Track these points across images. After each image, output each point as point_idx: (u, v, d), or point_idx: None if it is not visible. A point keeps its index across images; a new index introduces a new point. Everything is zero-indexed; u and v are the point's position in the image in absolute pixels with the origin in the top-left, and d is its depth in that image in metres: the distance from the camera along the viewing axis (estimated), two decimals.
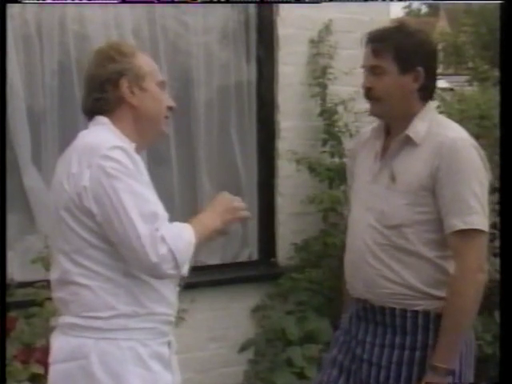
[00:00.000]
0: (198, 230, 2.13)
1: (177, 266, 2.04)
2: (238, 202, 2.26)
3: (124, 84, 2.19)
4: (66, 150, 2.19)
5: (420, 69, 2.43)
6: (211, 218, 2.21)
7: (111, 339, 2.08)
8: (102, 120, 2.20)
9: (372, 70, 2.46)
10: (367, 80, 2.48)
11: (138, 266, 2.06)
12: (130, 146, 2.13)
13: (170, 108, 2.28)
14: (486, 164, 2.42)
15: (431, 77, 2.48)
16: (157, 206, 2.08)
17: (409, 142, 2.44)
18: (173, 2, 4.39)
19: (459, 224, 2.34)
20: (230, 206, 2.24)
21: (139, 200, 2.04)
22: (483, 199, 2.37)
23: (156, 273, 2.05)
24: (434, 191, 2.38)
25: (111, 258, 2.08)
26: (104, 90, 2.18)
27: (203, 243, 2.19)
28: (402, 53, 2.42)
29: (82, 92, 2.27)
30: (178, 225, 2.11)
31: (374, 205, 2.48)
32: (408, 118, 2.46)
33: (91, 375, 2.07)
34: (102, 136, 2.13)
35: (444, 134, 2.41)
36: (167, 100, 2.28)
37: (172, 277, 2.11)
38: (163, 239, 2.02)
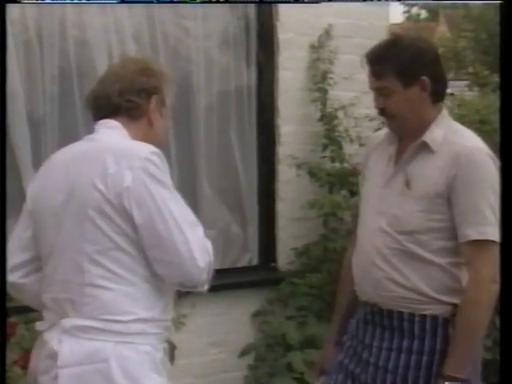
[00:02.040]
0: None
1: (208, 281, 2.12)
2: None
3: (153, 101, 2.27)
4: (70, 148, 2.23)
5: (424, 78, 2.42)
6: None
7: (130, 343, 2.09)
8: (113, 123, 2.23)
9: (379, 91, 2.47)
10: (377, 101, 2.49)
11: (180, 271, 2.09)
12: None
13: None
14: None
15: (438, 80, 2.47)
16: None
17: (425, 148, 2.44)
18: (172, 2, 4.39)
19: (473, 234, 2.35)
20: None
21: (183, 207, 2.11)
22: (498, 210, 2.37)
23: (195, 279, 2.10)
24: (449, 199, 2.38)
25: (135, 262, 2.09)
26: (140, 97, 2.25)
27: None
28: (402, 69, 2.41)
29: (106, 88, 2.28)
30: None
31: (385, 209, 2.47)
32: (423, 123, 2.46)
33: (110, 379, 2.06)
34: (132, 141, 2.20)
35: (461, 143, 2.40)
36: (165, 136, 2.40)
37: (200, 289, 2.14)
38: (207, 249, 2.10)
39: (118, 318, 2.09)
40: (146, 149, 2.13)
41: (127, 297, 2.09)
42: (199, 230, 2.11)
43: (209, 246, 2.12)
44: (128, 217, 2.07)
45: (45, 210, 2.22)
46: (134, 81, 2.26)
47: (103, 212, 2.08)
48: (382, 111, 2.49)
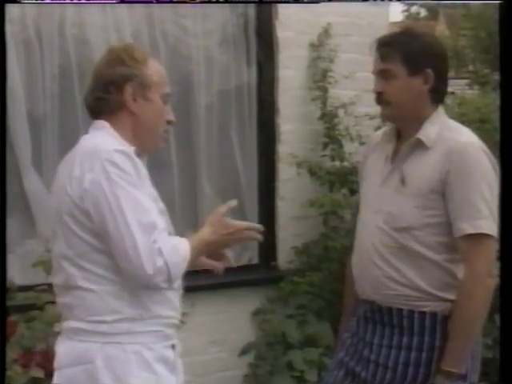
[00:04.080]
0: (193, 244, 2.11)
1: (169, 280, 2.04)
2: (231, 221, 2.18)
3: (128, 90, 2.17)
4: (68, 154, 2.18)
5: (429, 71, 2.44)
6: (203, 232, 2.17)
7: (116, 343, 2.08)
8: (101, 124, 2.19)
9: (381, 75, 2.48)
10: (377, 85, 2.50)
11: (131, 276, 2.04)
12: (131, 150, 2.12)
13: (169, 122, 2.26)
14: (497, 168, 2.43)
15: (441, 79, 2.49)
16: (156, 216, 2.07)
17: (420, 145, 2.46)
18: (171, 2, 4.39)
19: (468, 228, 2.36)
20: (223, 221, 2.17)
21: (139, 209, 2.03)
22: (492, 204, 2.38)
23: (148, 284, 2.04)
24: (443, 195, 2.39)
25: (116, 261, 2.06)
26: (107, 91, 2.17)
27: (197, 257, 2.16)
28: (409, 55, 2.44)
29: (87, 88, 2.25)
30: (174, 239, 2.10)
31: (382, 207, 2.49)
32: (419, 121, 2.47)
33: (96, 380, 2.06)
34: (104, 139, 2.12)
35: (454, 138, 2.42)
36: (168, 114, 2.25)
37: (160, 289, 2.08)
38: (160, 252, 2.01)
39: (103, 318, 2.08)
40: (110, 147, 2.06)
41: (111, 296, 2.08)
42: (155, 233, 2.02)
43: (167, 247, 2.02)
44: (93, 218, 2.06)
45: (51, 216, 2.23)
46: (99, 75, 2.19)
47: (74, 216, 2.07)
48: (380, 96, 2.50)
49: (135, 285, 2.07)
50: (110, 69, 2.18)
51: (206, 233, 2.16)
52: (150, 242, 2.00)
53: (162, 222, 2.10)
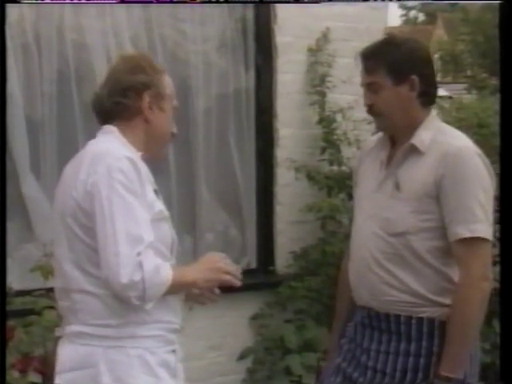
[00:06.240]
0: (176, 275, 2.09)
1: (143, 298, 2.02)
2: (228, 265, 2.26)
3: (146, 98, 2.22)
4: (73, 158, 2.20)
5: (414, 77, 2.45)
6: (192, 270, 2.20)
7: (120, 347, 2.09)
8: (109, 129, 2.22)
9: (369, 87, 2.50)
10: (367, 97, 2.52)
11: (105, 282, 2.03)
12: (137, 156, 2.15)
13: (172, 134, 2.32)
14: (492, 172, 2.44)
15: (428, 82, 2.50)
16: (146, 231, 2.06)
17: (414, 150, 2.46)
18: (171, 2, 4.39)
19: (463, 232, 2.36)
20: (215, 265, 2.23)
21: (130, 219, 2.03)
22: (488, 207, 2.39)
23: (119, 294, 2.03)
24: (438, 199, 2.39)
25: None
26: (126, 96, 2.21)
27: (177, 291, 2.16)
28: (393, 65, 2.45)
29: (100, 92, 2.27)
30: (158, 260, 2.07)
31: (377, 212, 2.49)
32: (412, 126, 2.48)
33: None
34: (112, 145, 2.15)
35: (449, 143, 2.43)
36: (173, 126, 2.32)
37: (132, 304, 2.05)
38: (141, 266, 2.00)
39: (107, 322, 2.09)
40: (117, 153, 2.10)
41: (115, 301, 2.08)
42: (140, 247, 2.01)
43: (148, 265, 2.00)
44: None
45: (54, 220, 2.24)
46: (119, 81, 2.23)
47: (78, 219, 2.09)
48: (371, 108, 2.52)
49: (110, 292, 2.05)
50: (130, 75, 2.22)
51: (196, 274, 2.19)
52: (133, 253, 2.00)
53: (151, 236, 2.07)
